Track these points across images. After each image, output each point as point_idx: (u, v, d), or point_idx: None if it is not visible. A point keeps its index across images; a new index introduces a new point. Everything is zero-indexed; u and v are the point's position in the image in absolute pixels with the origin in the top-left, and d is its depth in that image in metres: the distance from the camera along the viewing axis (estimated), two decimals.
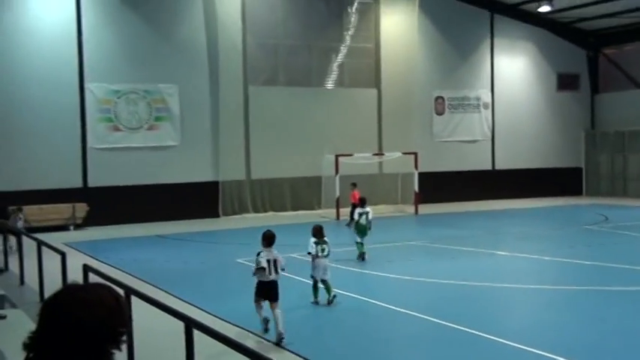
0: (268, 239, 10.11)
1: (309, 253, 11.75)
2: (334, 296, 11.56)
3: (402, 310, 11.27)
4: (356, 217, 16.66)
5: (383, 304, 11.66)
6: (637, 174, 34.17)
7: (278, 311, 9.54)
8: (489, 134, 33.67)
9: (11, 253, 15.07)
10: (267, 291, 9.79)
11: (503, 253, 17.60)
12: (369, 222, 16.31)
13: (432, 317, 10.66)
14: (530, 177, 33.88)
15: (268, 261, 9.83)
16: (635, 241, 19.47)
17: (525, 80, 34.66)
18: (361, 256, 16.20)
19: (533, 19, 33.72)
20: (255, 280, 9.99)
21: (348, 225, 21.32)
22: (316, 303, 11.73)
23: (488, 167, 33.69)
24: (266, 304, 9.86)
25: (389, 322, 11.03)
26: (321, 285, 11.80)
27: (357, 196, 23.11)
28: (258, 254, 10.01)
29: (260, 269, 9.80)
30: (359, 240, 16.29)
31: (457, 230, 22.18)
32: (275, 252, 10.04)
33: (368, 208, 16.63)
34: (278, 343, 9.27)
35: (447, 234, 21.09)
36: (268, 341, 9.39)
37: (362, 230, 16.29)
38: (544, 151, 34.82)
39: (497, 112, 33.77)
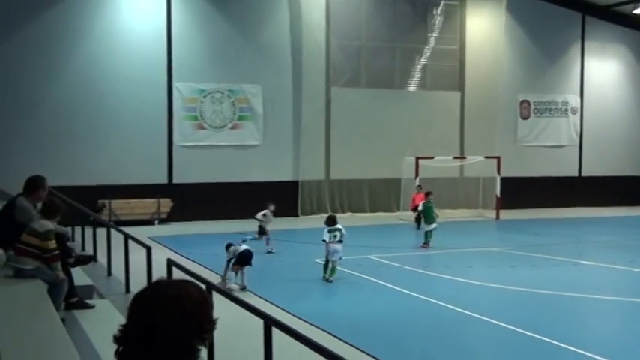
0: None
1: (324, 241, 14.10)
2: (331, 280, 13.85)
3: (478, 316, 11.11)
4: (420, 207, 20.00)
5: (460, 310, 11.51)
6: None
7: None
8: (577, 140, 32.63)
9: None
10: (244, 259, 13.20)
11: (588, 262, 17.06)
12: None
13: (511, 325, 10.46)
14: (620, 185, 32.58)
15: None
16: None
17: (617, 84, 33.41)
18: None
19: (627, 21, 32.49)
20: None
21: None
22: (325, 279, 14.00)
23: (575, 174, 32.66)
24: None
25: (466, 327, 10.89)
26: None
27: (419, 200, 23.33)
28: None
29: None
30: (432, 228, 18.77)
31: (540, 237, 21.60)
32: None
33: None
34: (242, 289, 12.83)
35: (529, 241, 20.57)
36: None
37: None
38: (636, 158, 33.46)
39: (586, 117, 32.68)
